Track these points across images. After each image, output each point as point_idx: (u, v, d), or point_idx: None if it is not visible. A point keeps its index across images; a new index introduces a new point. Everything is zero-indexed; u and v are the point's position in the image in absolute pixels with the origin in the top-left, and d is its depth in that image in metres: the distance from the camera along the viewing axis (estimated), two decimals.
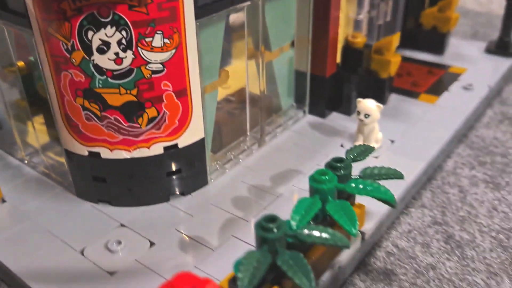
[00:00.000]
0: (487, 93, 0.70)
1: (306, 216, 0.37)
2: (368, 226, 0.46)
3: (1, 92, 0.55)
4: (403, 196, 0.52)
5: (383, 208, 0.48)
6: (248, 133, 0.59)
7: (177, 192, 0.51)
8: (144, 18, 0.41)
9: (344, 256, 0.43)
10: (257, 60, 0.56)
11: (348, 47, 0.63)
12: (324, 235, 0.35)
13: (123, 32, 0.41)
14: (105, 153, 0.47)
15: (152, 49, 0.42)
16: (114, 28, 0.40)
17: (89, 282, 0.41)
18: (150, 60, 0.42)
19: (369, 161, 0.55)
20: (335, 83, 0.64)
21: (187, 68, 0.45)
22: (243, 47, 0.56)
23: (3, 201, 0.51)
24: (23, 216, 0.49)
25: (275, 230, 0.35)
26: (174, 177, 0.50)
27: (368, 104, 0.55)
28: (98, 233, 0.46)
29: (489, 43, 0.83)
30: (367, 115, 0.55)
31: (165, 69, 0.44)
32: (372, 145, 0.57)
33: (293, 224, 0.37)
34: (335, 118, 0.65)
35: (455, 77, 0.75)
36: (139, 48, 0.42)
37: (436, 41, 0.81)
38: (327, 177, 0.40)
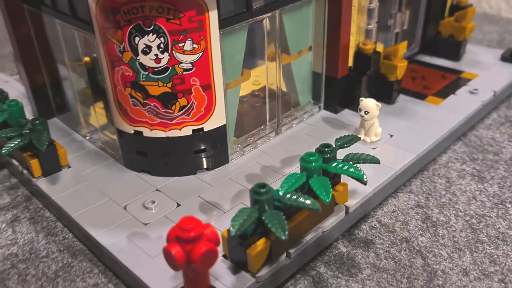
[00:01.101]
0: (491, 98, 0.77)
1: (291, 186, 0.48)
2: (352, 202, 0.56)
3: (72, 81, 0.69)
4: (391, 181, 0.61)
5: (369, 189, 0.57)
6: (267, 123, 0.70)
7: (203, 167, 0.63)
8: (177, 28, 0.53)
9: (328, 223, 0.53)
10: (276, 63, 0.67)
11: (359, 53, 0.72)
12: (300, 199, 0.46)
13: (162, 39, 0.53)
14: (146, 132, 0.59)
15: (184, 52, 0.54)
16: (155, 35, 0.53)
17: (128, 229, 0.54)
18: (182, 60, 0.54)
19: (367, 152, 0.65)
20: (347, 83, 0.73)
21: (211, 67, 0.56)
22: (270, 50, 0.67)
23: (69, 166, 0.65)
24: (83, 178, 0.63)
25: (264, 194, 0.45)
26: (200, 154, 0.62)
27: (368, 103, 0.65)
28: (138, 195, 0.59)
29: (505, 51, 0.89)
30: (366, 112, 0.65)
31: (194, 68, 0.55)
32: (372, 138, 0.67)
33: (280, 191, 0.48)
34: (346, 114, 0.75)
35: (465, 82, 0.82)
36: (173, 51, 0.54)
37: (452, 48, 0.88)
38: (313, 158, 0.50)
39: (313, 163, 0.50)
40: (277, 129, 0.70)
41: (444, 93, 0.79)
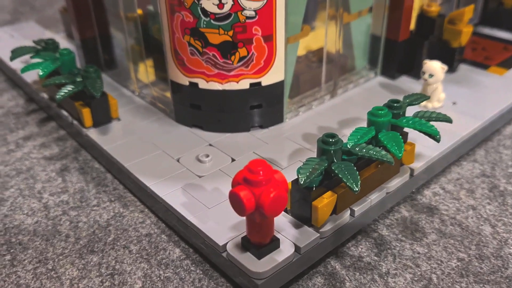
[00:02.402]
0: None
1: (360, 140, 0.45)
2: (417, 165, 0.53)
3: (126, 33, 0.68)
4: (455, 148, 0.57)
5: (435, 153, 0.54)
6: (322, 85, 0.67)
7: (257, 125, 0.61)
8: None
9: (393, 184, 0.50)
10: (336, 22, 0.64)
11: (423, 16, 0.68)
12: (372, 151, 0.43)
13: None
14: (202, 84, 0.57)
15: None
16: None
17: (182, 180, 0.52)
18: (246, 7, 0.52)
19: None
20: (407, 48, 0.70)
21: (274, 17, 0.54)
22: (331, 7, 0.64)
23: (119, 119, 0.64)
24: (133, 131, 0.61)
25: (333, 144, 0.43)
26: (255, 110, 0.59)
27: (433, 65, 0.61)
28: (191, 148, 0.57)
29: None
30: (431, 75, 0.61)
31: (257, 16, 0.53)
32: (434, 104, 0.63)
33: (349, 143, 0.45)
34: (405, 81, 0.71)
35: None
36: None
37: None
38: (382, 112, 0.47)
39: (383, 118, 0.47)
40: (333, 91, 0.67)
41: (507, 64, 0.75)
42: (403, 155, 0.50)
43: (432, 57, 0.71)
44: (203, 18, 0.53)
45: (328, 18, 0.64)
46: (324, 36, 0.65)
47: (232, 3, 0.52)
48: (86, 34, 0.72)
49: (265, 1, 0.52)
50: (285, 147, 0.57)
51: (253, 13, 0.53)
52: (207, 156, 0.55)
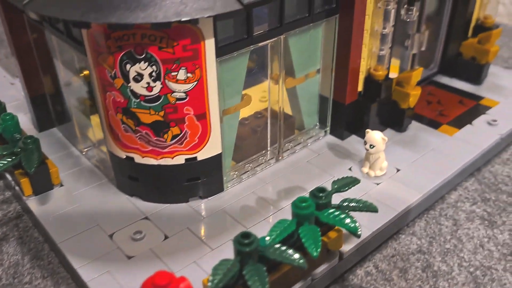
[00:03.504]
0: (510, 131, 0.72)
1: (280, 235, 0.45)
2: (347, 248, 0.52)
3: (67, 96, 0.67)
4: (392, 223, 0.57)
5: (367, 233, 0.54)
6: (268, 148, 0.67)
7: (196, 196, 0.60)
8: (170, 57, 0.50)
9: (319, 270, 0.50)
10: (279, 87, 0.63)
11: (370, 78, 0.68)
12: (285, 254, 0.43)
13: (154, 67, 0.50)
14: (138, 159, 0.57)
15: (177, 81, 0.51)
16: (146, 63, 0.50)
17: (111, 263, 0.52)
18: (175, 89, 0.52)
19: (370, 187, 0.61)
20: (355, 109, 0.69)
21: (206, 96, 0.54)
22: (274, 71, 0.63)
23: (61, 185, 0.64)
24: (73, 200, 0.61)
25: (247, 245, 0.43)
26: (193, 183, 0.59)
27: (374, 136, 0.61)
28: (127, 222, 0.57)
29: None
30: (372, 146, 0.61)
31: (188, 97, 0.53)
32: (376, 172, 0.63)
33: (267, 239, 0.45)
34: (353, 141, 0.71)
35: (484, 110, 0.77)
36: (166, 80, 0.51)
37: (474, 71, 0.83)
38: (305, 205, 0.47)
39: (305, 210, 0.47)
40: (278, 155, 0.67)
41: (460, 122, 0.74)
42: (329, 242, 0.50)
43: (382, 117, 0.71)
44: (133, 99, 0.52)
45: (272, 81, 0.64)
46: (271, 96, 0.65)
47: (161, 86, 0.51)
48: (35, 90, 0.72)
49: (194, 83, 0.52)
50: (220, 222, 0.57)
51: (183, 94, 0.52)
52: (140, 233, 0.55)
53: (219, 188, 0.61)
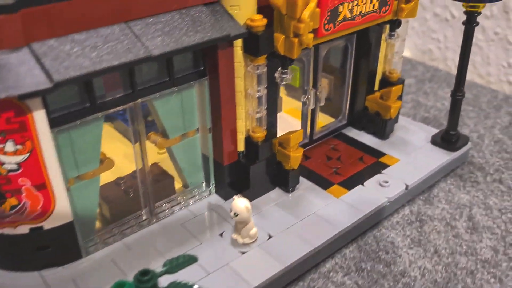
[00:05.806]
0: (400, 194, 0.70)
1: None
2: None
3: None
4: None
5: None
6: (143, 211, 0.65)
7: (49, 264, 0.58)
8: None
9: None
10: (143, 147, 0.61)
11: (249, 140, 0.66)
12: None
13: None
14: None
15: (5, 153, 0.49)
16: None
17: None
18: (5, 161, 0.50)
19: (233, 257, 0.59)
20: (237, 170, 0.67)
21: (44, 166, 0.52)
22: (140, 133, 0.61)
23: None
24: None
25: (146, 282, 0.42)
26: (43, 252, 0.57)
27: (237, 204, 0.59)
28: None
29: (436, 133, 0.81)
30: (236, 214, 0.59)
31: (21, 168, 0.51)
32: (245, 240, 0.61)
33: None
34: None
35: (381, 168, 0.75)
36: None
37: (378, 126, 0.81)
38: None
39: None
40: (151, 218, 0.65)
41: (352, 183, 0.72)
42: None
43: (271, 176, 0.69)
44: None
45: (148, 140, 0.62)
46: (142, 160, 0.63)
47: None
48: None
49: (27, 155, 0.50)
50: None
51: (15, 166, 0.50)
52: None
53: (77, 255, 0.59)
